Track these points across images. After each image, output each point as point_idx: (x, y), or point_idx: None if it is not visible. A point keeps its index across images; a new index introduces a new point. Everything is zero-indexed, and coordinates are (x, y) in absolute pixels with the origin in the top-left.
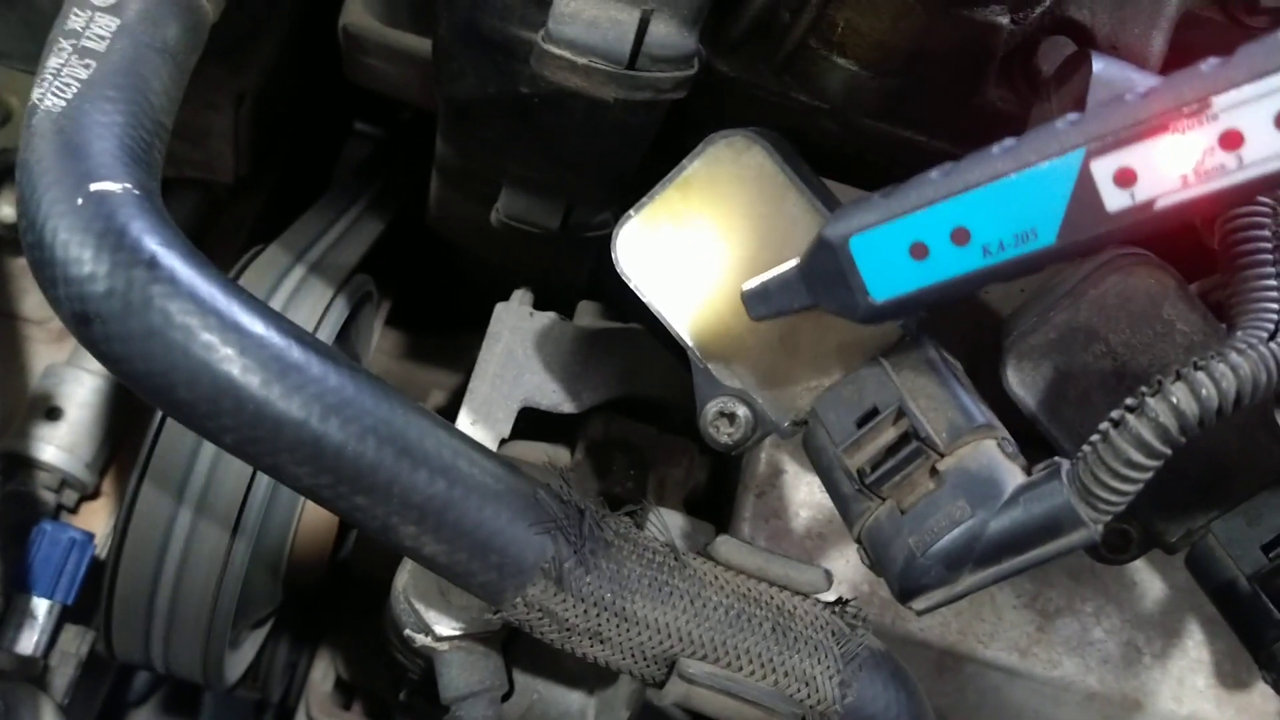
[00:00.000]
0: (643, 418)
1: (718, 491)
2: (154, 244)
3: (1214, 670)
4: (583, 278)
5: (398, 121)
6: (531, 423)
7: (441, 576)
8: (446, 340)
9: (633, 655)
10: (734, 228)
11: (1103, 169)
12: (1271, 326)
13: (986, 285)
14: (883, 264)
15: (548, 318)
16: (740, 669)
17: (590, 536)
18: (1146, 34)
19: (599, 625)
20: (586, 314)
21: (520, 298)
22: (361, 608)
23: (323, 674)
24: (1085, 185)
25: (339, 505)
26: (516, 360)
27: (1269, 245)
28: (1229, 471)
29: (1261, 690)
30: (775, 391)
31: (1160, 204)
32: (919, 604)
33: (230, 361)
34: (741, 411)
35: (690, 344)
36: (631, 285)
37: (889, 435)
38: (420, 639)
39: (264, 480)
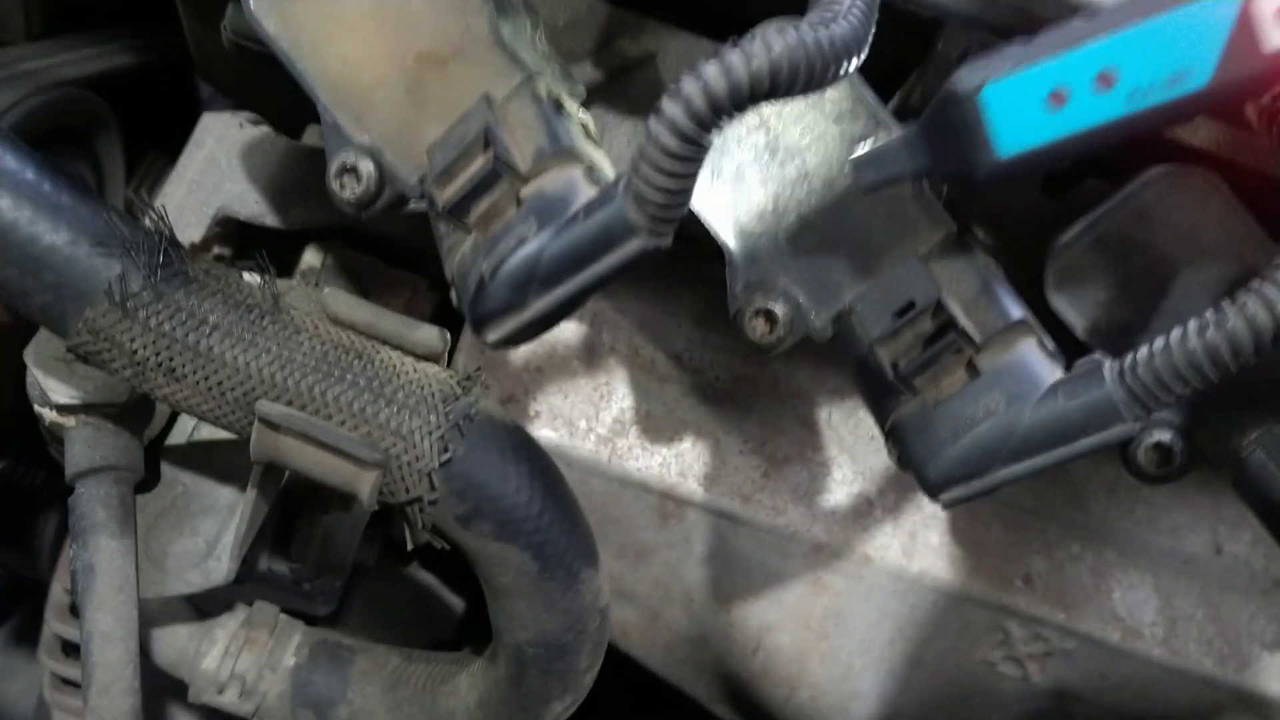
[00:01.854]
0: (372, 253)
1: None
2: None
3: (948, 527)
4: None
5: None
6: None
7: None
8: None
9: (211, 397)
10: None
11: (1266, 3)
12: None
13: (1125, 137)
14: (1015, 115)
15: (261, 131)
16: (328, 418)
17: (167, 266)
18: None
19: (172, 360)
20: (314, 136)
21: (234, 113)
22: None
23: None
24: (1245, 21)
25: None
26: (218, 167)
27: None
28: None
29: (998, 550)
30: (405, 146)
31: None
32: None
33: None
34: (365, 166)
35: (320, 96)
36: (262, 32)
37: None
38: (46, 414)
39: None
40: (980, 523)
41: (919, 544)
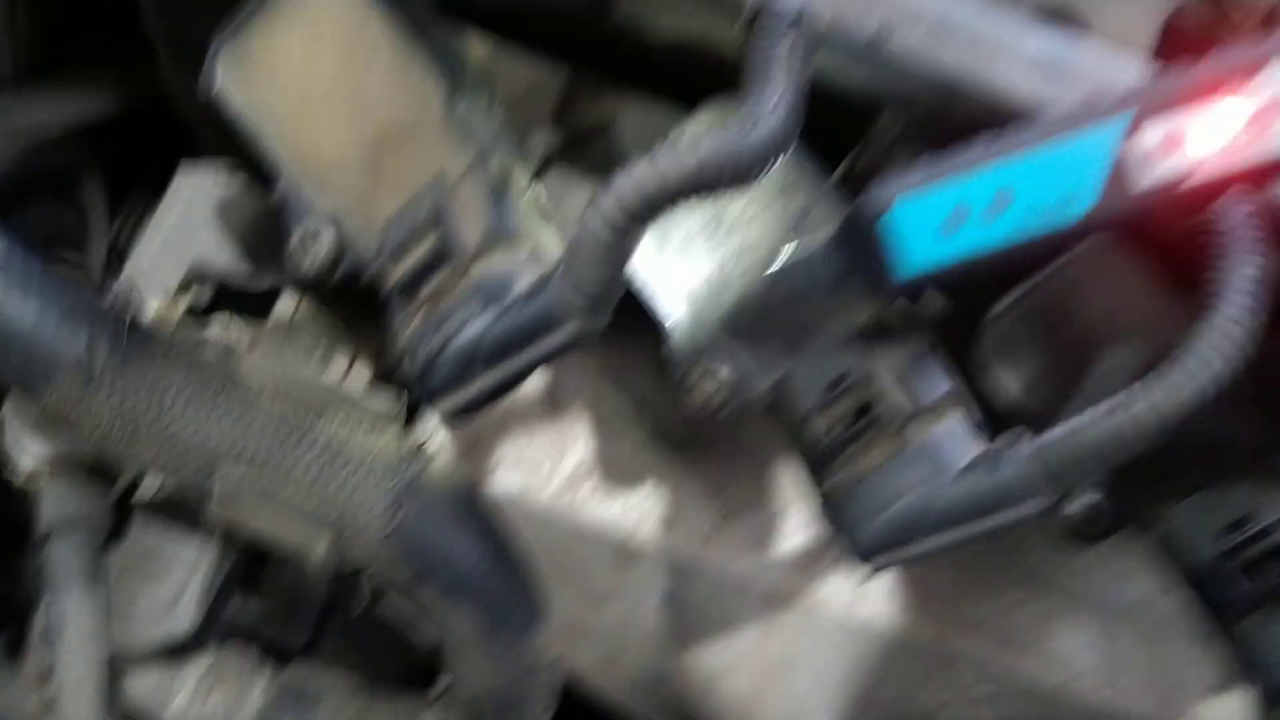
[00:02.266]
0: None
1: None
2: None
3: (897, 573)
4: None
5: None
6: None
7: None
8: None
9: (172, 463)
10: (321, 48)
11: (1149, 135)
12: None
13: (1020, 258)
14: (919, 233)
15: (237, 184)
16: (283, 486)
17: (134, 341)
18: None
19: (135, 429)
20: None
21: (211, 166)
22: None
23: None
24: (1130, 150)
25: None
26: (194, 220)
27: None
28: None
29: (946, 596)
30: (363, 218)
31: (1202, 171)
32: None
33: None
34: (326, 236)
35: (284, 167)
36: (229, 107)
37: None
38: (19, 470)
39: None
40: (929, 569)
41: (869, 590)
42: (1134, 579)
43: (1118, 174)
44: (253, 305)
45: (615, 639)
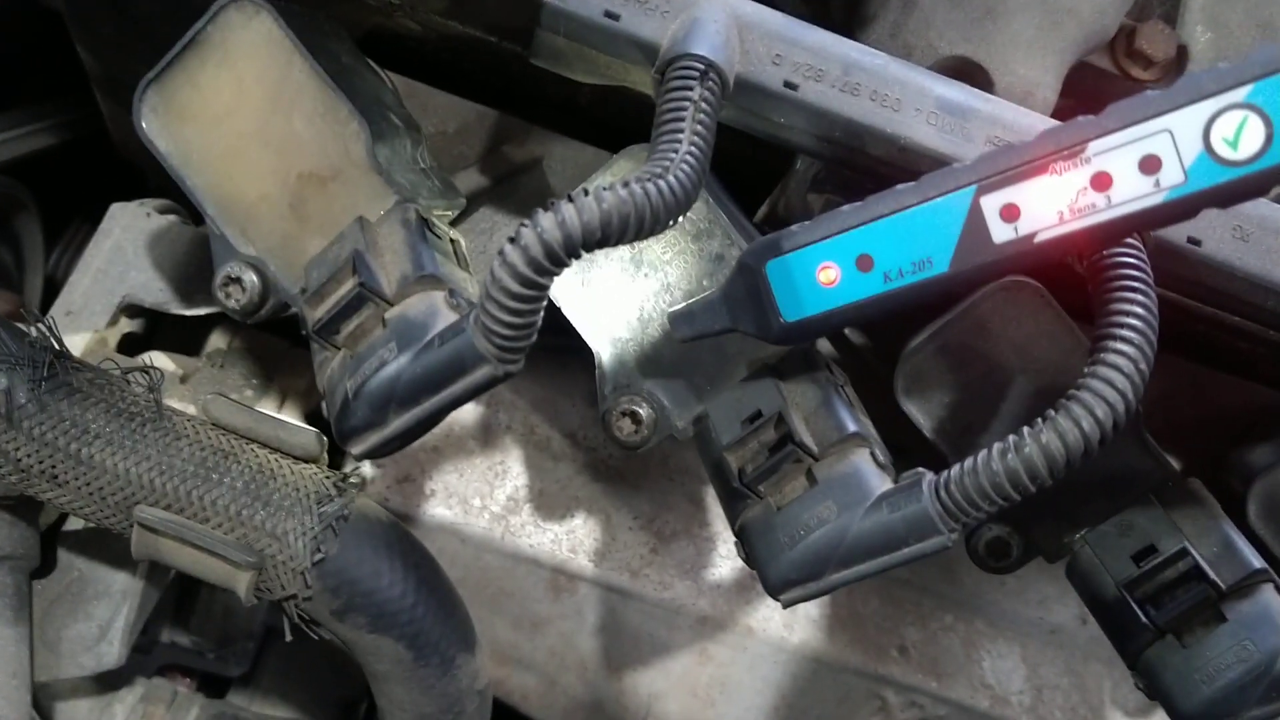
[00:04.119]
0: (278, 333)
1: None
2: None
3: (827, 600)
4: None
5: None
6: (167, 332)
7: None
8: None
9: (92, 502)
10: (245, 93)
11: (991, 204)
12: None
13: (888, 312)
14: (795, 288)
15: (167, 220)
16: (205, 521)
17: (52, 379)
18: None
19: (54, 468)
20: None
21: (143, 202)
22: None
23: None
24: (975, 218)
25: None
26: (125, 256)
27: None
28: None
29: (874, 622)
30: (287, 259)
31: (1040, 237)
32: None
33: None
34: (249, 277)
35: (208, 210)
36: (154, 149)
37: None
38: None
39: None
40: (858, 596)
41: (799, 616)
42: (1059, 603)
43: (966, 240)
44: (186, 338)
45: (552, 665)
